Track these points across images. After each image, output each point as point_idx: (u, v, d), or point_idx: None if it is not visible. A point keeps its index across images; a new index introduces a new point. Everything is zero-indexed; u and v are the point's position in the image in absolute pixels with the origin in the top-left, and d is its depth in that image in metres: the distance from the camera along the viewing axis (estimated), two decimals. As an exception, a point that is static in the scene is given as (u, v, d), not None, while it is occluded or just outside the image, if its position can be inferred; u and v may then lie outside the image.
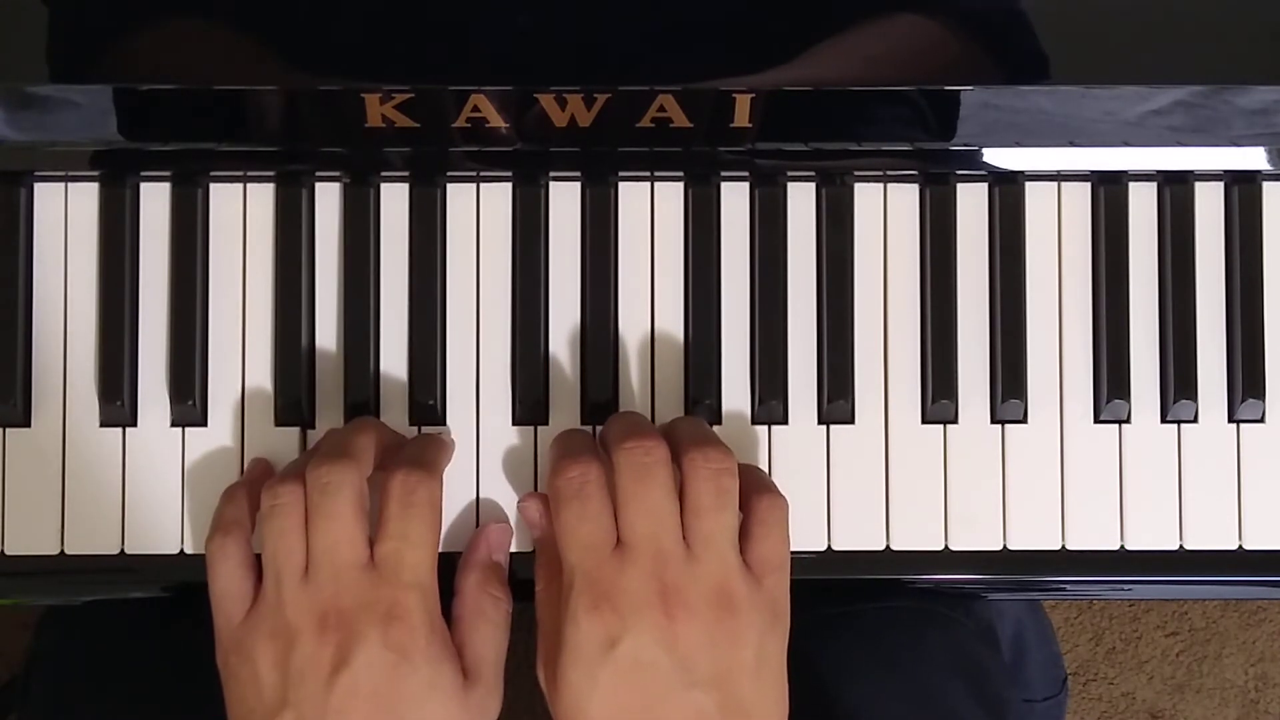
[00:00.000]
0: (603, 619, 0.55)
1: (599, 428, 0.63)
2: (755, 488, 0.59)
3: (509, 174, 0.64)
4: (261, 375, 0.64)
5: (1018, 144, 0.64)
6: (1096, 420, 0.65)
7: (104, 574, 0.64)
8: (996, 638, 0.76)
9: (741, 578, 0.57)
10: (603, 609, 0.55)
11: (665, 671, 0.55)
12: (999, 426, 0.65)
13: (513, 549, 0.63)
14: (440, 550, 0.59)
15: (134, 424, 0.64)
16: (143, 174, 0.64)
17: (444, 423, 0.64)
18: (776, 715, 0.57)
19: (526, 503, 0.62)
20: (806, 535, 0.64)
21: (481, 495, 0.64)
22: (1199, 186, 0.65)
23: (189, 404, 0.63)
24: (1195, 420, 0.65)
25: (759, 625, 0.56)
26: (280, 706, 0.55)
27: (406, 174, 0.64)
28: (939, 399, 0.64)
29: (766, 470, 0.64)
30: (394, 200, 0.64)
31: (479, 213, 0.65)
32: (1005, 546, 0.65)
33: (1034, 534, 0.64)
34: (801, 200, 0.65)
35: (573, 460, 0.58)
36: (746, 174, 0.65)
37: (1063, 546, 0.65)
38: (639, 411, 0.64)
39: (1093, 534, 0.64)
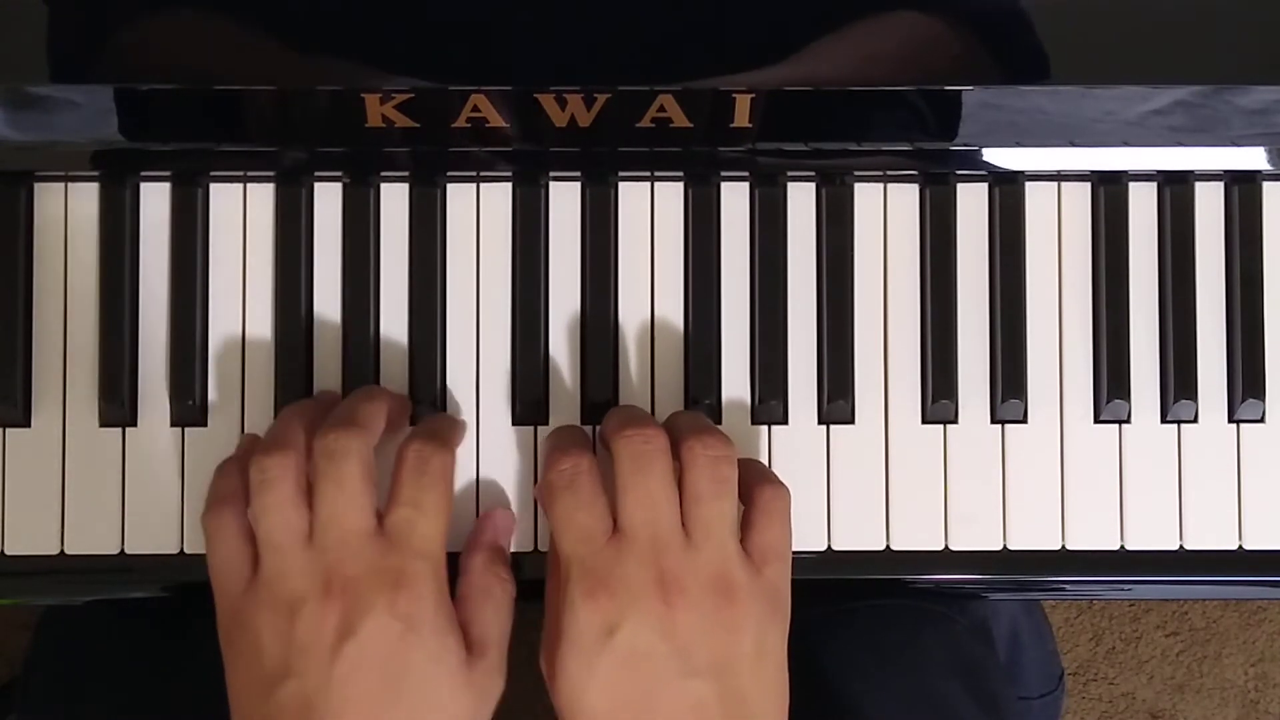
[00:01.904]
0: (599, 607, 0.55)
1: (599, 429, 0.63)
2: (757, 478, 0.59)
3: (509, 174, 0.64)
4: (262, 375, 0.64)
5: (1018, 144, 0.64)
6: (1096, 420, 0.65)
7: (104, 574, 0.64)
8: (991, 635, 0.76)
9: (740, 566, 0.56)
10: (599, 597, 0.55)
11: (663, 660, 0.55)
12: (999, 426, 0.65)
13: (512, 549, 0.63)
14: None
15: (134, 424, 0.64)
16: (143, 174, 0.64)
17: (444, 423, 0.64)
18: (776, 705, 0.57)
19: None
20: (806, 535, 0.64)
21: (481, 495, 0.64)
22: (1199, 186, 0.65)
23: (189, 403, 0.63)
24: (1195, 420, 0.65)
25: (758, 614, 0.56)
26: (283, 676, 0.54)
27: (406, 174, 0.64)
28: (939, 399, 0.64)
29: (766, 470, 0.64)
30: (394, 200, 0.64)
31: (479, 213, 0.65)
32: (1005, 546, 0.65)
33: (1034, 534, 0.64)
34: (801, 200, 0.65)
35: (563, 453, 0.58)
36: (746, 174, 0.65)
37: (1063, 546, 0.64)
38: (639, 411, 0.64)
39: (1093, 534, 0.64)
